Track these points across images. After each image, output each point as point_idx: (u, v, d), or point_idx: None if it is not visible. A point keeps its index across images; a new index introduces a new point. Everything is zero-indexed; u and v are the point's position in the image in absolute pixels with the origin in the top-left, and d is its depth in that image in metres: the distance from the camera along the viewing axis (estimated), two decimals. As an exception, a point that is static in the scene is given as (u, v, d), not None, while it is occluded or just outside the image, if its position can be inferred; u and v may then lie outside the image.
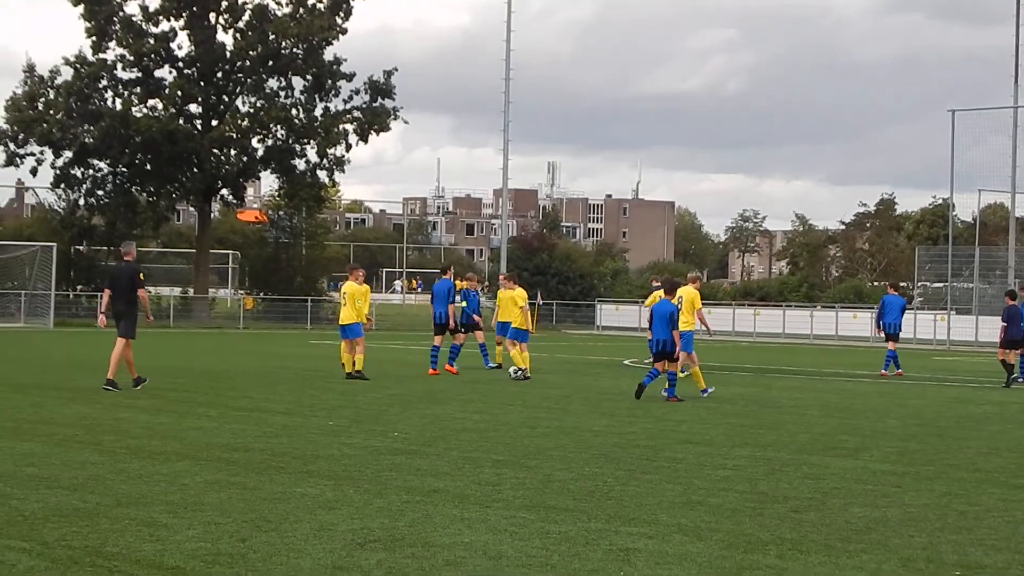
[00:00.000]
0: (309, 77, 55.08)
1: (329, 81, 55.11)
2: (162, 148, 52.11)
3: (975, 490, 10.77)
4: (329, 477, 10.63)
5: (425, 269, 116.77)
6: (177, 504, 9.16)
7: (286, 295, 55.67)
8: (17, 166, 53.69)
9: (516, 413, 16.63)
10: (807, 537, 8.50)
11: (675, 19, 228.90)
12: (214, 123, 54.71)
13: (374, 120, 55.24)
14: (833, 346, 47.88)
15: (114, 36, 53.23)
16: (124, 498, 9.38)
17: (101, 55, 53.30)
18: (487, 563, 7.49)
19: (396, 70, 55.77)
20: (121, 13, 53.36)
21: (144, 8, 53.48)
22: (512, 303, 23.71)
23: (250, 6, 53.96)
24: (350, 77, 55.34)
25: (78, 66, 52.45)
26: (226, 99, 55.28)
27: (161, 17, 53.61)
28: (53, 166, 53.29)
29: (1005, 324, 24.81)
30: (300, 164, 56.10)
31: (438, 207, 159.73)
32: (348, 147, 55.31)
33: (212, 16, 54.30)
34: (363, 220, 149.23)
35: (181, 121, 53.73)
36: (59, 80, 52.63)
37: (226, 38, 54.58)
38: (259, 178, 68.11)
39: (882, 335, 28.31)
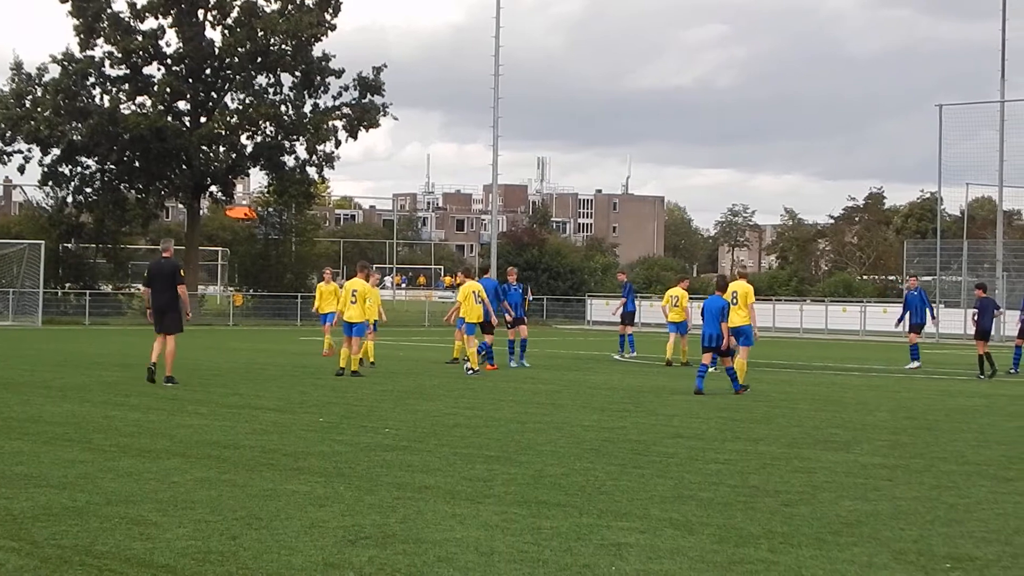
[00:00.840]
0: (298, 74, 55.02)
1: (318, 77, 55.06)
2: (151, 145, 51.99)
3: (965, 483, 10.79)
4: (320, 474, 10.60)
5: (415, 265, 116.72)
6: (167, 502, 9.13)
7: (276, 292, 55.58)
8: (5, 163, 53.69)
9: (507, 409, 16.63)
10: (798, 531, 8.50)
11: (666, 14, 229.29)
12: (203, 120, 54.59)
13: (363, 116, 55.21)
14: (823, 339, 48.05)
15: (102, 33, 53.09)
16: (114, 496, 9.35)
17: (89, 52, 53.18)
18: (479, 559, 7.48)
19: (385, 66, 55.82)
20: (109, 10, 53.26)
21: (132, 5, 53.37)
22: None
23: (238, 3, 53.84)
24: (339, 73, 55.32)
25: (66, 63, 52.29)
26: (215, 96, 55.18)
27: (149, 14, 53.52)
28: (41, 163, 53.25)
29: (976, 317, 25.38)
30: (289, 161, 56.13)
31: (428, 203, 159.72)
32: (337, 143, 55.34)
33: (200, 13, 54.19)
34: (353, 216, 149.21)
35: (169, 118, 53.61)
36: (47, 77, 52.50)
37: (214, 35, 54.57)
38: (248, 175, 68.08)
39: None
